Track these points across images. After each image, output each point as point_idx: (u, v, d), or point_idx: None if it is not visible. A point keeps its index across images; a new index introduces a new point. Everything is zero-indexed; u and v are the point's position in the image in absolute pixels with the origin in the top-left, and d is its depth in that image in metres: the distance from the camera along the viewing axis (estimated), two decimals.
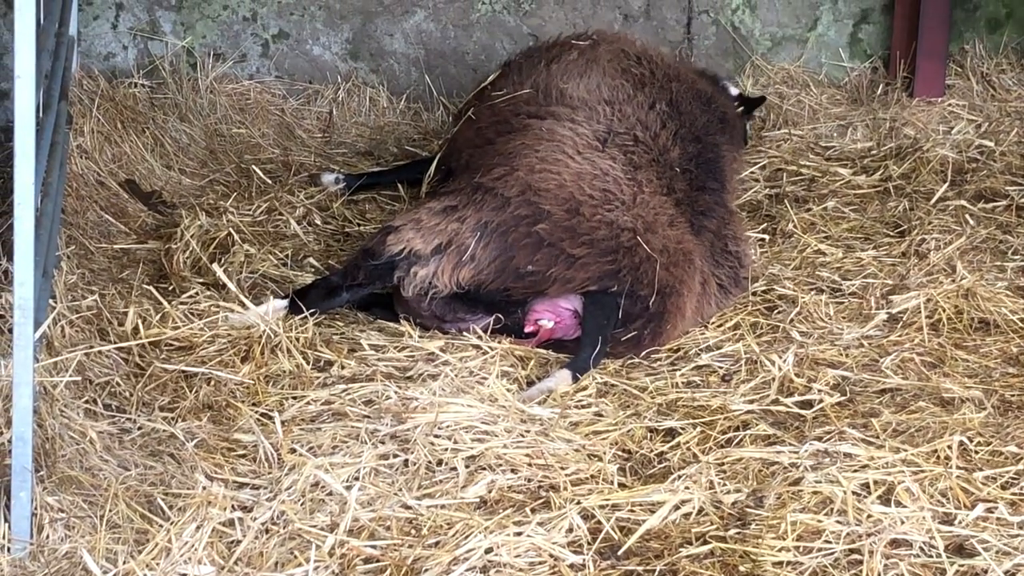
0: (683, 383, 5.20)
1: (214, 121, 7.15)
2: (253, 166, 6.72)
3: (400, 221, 5.45)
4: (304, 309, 5.38)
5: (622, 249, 5.32)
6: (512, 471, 4.58)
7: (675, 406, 5.03)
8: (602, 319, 5.29)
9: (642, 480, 4.61)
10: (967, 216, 6.38)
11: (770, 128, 7.23)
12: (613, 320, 5.30)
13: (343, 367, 5.16)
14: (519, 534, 4.23)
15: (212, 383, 5.02)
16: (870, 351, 5.39)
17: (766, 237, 6.26)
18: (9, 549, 4.12)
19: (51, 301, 5.06)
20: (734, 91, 6.85)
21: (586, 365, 5.19)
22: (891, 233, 6.32)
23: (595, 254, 5.30)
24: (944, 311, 5.58)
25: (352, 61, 7.48)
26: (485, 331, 5.35)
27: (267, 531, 4.27)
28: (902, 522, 4.29)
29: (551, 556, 4.19)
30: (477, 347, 5.29)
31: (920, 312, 5.57)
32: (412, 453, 4.61)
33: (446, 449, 4.64)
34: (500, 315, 5.37)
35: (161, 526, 4.24)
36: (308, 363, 5.16)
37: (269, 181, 6.62)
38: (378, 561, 4.17)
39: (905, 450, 4.63)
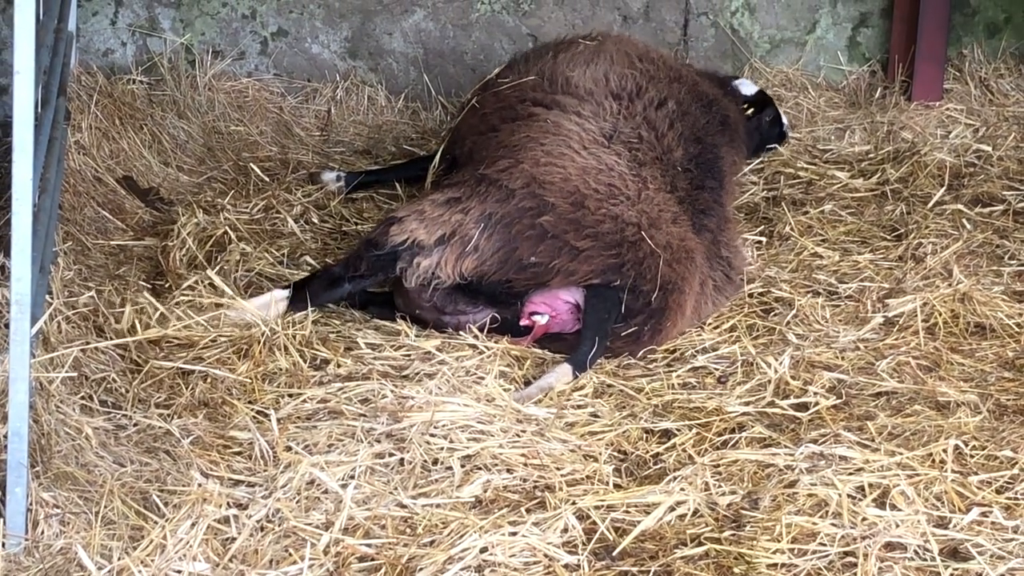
0: (679, 384, 5.20)
1: (212, 118, 7.15)
2: (251, 164, 6.71)
3: (404, 212, 5.44)
4: (306, 299, 5.39)
5: (626, 243, 5.32)
6: (508, 471, 4.58)
7: (671, 407, 5.03)
8: (603, 313, 5.29)
9: (637, 481, 4.61)
10: (964, 220, 6.39)
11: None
12: (615, 315, 5.30)
13: (339, 365, 5.16)
14: (514, 534, 4.23)
15: (208, 380, 5.02)
16: (866, 354, 5.40)
17: (763, 239, 6.26)
18: (4, 544, 4.12)
19: (48, 297, 5.06)
20: (749, 90, 6.81)
21: (586, 360, 5.19)
22: (888, 237, 6.33)
23: (599, 247, 5.30)
24: (940, 315, 5.59)
25: (351, 60, 7.48)
26: (482, 330, 5.35)
27: (262, 529, 4.27)
28: (897, 525, 4.29)
29: (546, 556, 4.19)
30: (474, 347, 5.29)
31: (916, 316, 5.58)
32: (408, 452, 4.61)
33: (442, 448, 4.64)
34: (500, 310, 5.36)
35: (156, 523, 4.24)
36: (305, 361, 5.16)
37: (267, 179, 6.62)
38: (373, 560, 4.17)
39: (900, 453, 4.64)
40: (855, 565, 4.17)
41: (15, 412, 4.10)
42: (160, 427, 4.77)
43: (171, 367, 5.04)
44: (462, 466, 4.58)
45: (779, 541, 4.24)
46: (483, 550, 4.17)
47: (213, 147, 6.96)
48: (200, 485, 4.40)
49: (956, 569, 4.18)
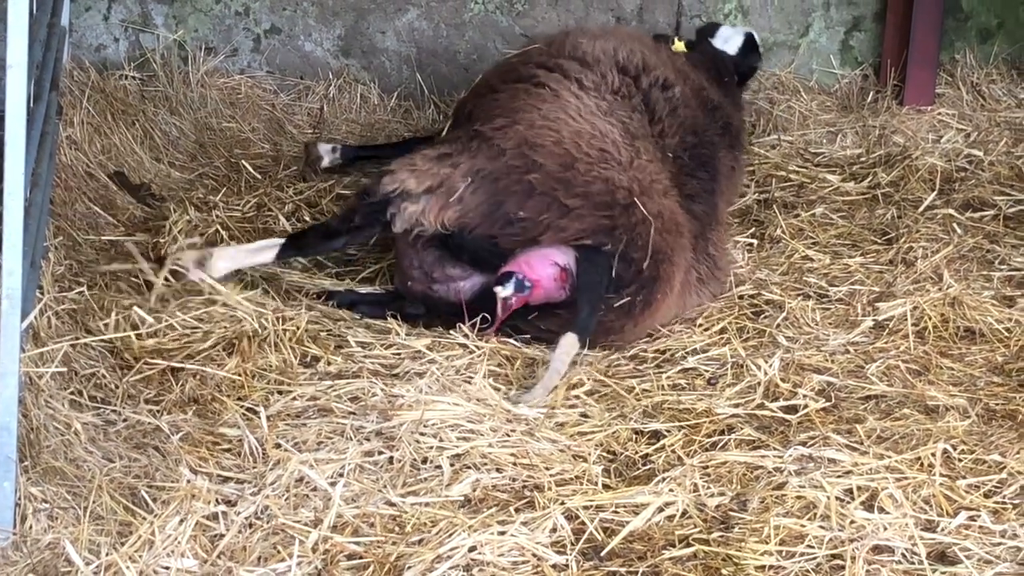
0: (669, 386, 5.21)
1: (204, 115, 7.14)
2: (243, 161, 6.71)
3: (397, 164, 5.56)
4: (298, 250, 5.57)
5: (617, 206, 5.36)
6: (497, 470, 4.58)
7: (661, 408, 5.04)
8: (596, 276, 5.31)
9: (626, 482, 4.62)
10: (954, 225, 6.40)
11: (760, 134, 7.24)
12: (606, 280, 5.32)
13: (330, 363, 5.16)
14: (503, 533, 4.24)
15: (198, 376, 5.02)
16: (856, 357, 5.41)
17: (754, 242, 6.27)
18: None
19: (38, 292, 5.05)
20: (728, 48, 6.75)
21: (588, 324, 5.20)
22: (879, 240, 6.34)
23: (589, 206, 5.34)
24: (930, 319, 5.60)
25: (344, 58, 7.48)
26: (473, 328, 5.34)
27: (251, 525, 4.27)
28: (885, 528, 4.30)
29: (534, 556, 4.19)
30: (464, 346, 5.29)
31: (906, 320, 5.59)
32: (397, 450, 4.61)
33: (431, 447, 4.64)
34: (488, 275, 5.34)
35: (144, 519, 4.23)
36: (295, 358, 5.16)
37: (259, 176, 6.61)
38: (361, 558, 4.17)
39: (889, 457, 4.65)
40: (843, 568, 4.18)
41: (4, 406, 4.10)
42: (149, 423, 4.77)
43: (162, 364, 5.03)
44: (451, 465, 4.58)
45: (767, 543, 4.25)
46: (471, 549, 4.17)
47: (205, 144, 6.95)
48: (189, 481, 4.39)
49: (943, 572, 4.19)
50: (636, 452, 4.78)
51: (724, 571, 4.19)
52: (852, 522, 4.32)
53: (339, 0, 7.42)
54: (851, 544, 4.24)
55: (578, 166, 5.41)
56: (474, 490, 4.49)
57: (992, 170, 6.90)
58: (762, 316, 5.69)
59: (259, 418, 4.76)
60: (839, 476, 4.52)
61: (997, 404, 5.14)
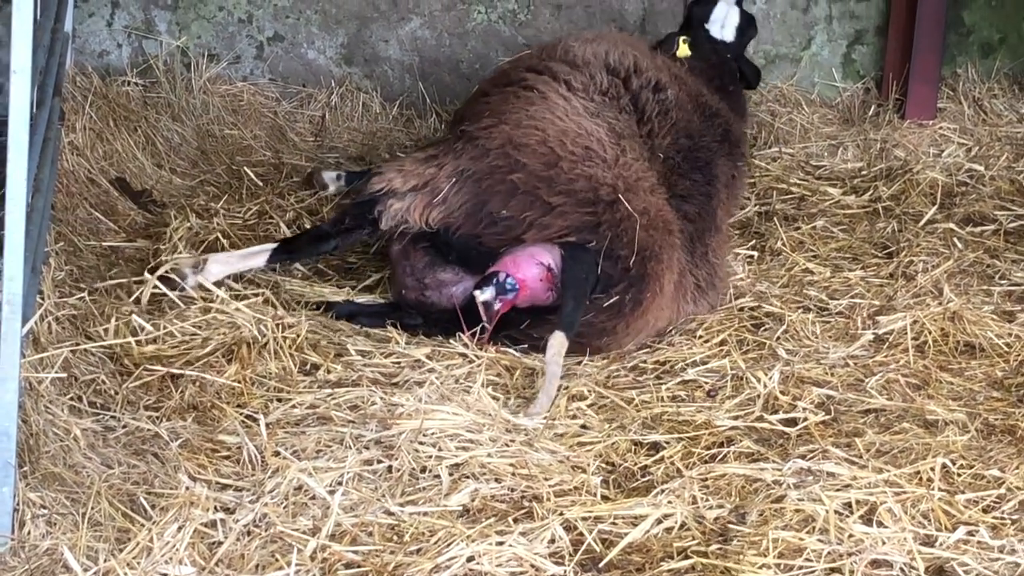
0: (668, 397, 5.20)
1: (206, 122, 7.15)
2: (244, 168, 6.71)
3: (385, 166, 5.69)
4: (289, 254, 5.63)
5: (602, 203, 5.38)
6: (496, 480, 4.58)
7: (660, 420, 5.03)
8: (581, 273, 5.32)
9: (625, 493, 4.61)
10: (955, 239, 6.41)
11: (762, 146, 7.25)
12: (592, 277, 5.33)
13: (330, 371, 5.16)
14: (501, 543, 4.23)
15: (198, 383, 5.01)
16: (855, 371, 5.41)
17: (755, 254, 6.27)
18: None
19: (38, 297, 5.05)
20: (726, 34, 6.73)
21: (573, 320, 5.21)
22: (879, 254, 6.34)
23: (573, 203, 5.37)
24: (930, 333, 5.60)
25: (346, 66, 7.49)
26: (472, 337, 5.35)
27: (249, 533, 4.27)
28: (883, 542, 4.29)
29: (532, 566, 4.19)
30: (463, 355, 5.29)
31: (906, 333, 5.59)
32: (396, 459, 4.61)
33: (430, 456, 4.64)
34: (477, 277, 5.36)
35: (143, 525, 4.23)
36: (295, 366, 5.16)
37: (260, 184, 6.62)
38: (359, 567, 4.16)
39: (888, 471, 4.64)
40: None
41: (4, 411, 4.09)
42: (149, 429, 4.76)
43: (161, 371, 5.03)
44: (450, 474, 4.58)
45: (766, 556, 4.24)
46: (470, 559, 4.17)
47: (207, 150, 6.96)
48: (188, 488, 4.39)
49: None
50: (635, 464, 4.77)
51: None
52: (851, 536, 4.31)
53: (342, 8, 7.44)
54: (849, 558, 4.23)
55: (562, 164, 5.45)
56: (473, 500, 4.49)
57: (993, 185, 6.91)
58: (762, 328, 5.69)
59: (258, 426, 4.76)
60: (838, 489, 4.52)
61: (996, 419, 5.13)
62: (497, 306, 5.29)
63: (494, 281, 5.28)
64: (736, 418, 5.04)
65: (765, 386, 5.19)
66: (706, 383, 5.31)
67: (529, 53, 6.26)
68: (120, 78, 7.20)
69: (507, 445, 4.73)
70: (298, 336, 5.26)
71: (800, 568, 4.21)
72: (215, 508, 4.32)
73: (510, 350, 5.38)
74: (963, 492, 4.60)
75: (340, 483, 4.48)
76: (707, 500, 4.53)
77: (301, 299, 5.66)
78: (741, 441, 4.89)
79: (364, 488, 4.49)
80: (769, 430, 5.00)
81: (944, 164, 7.06)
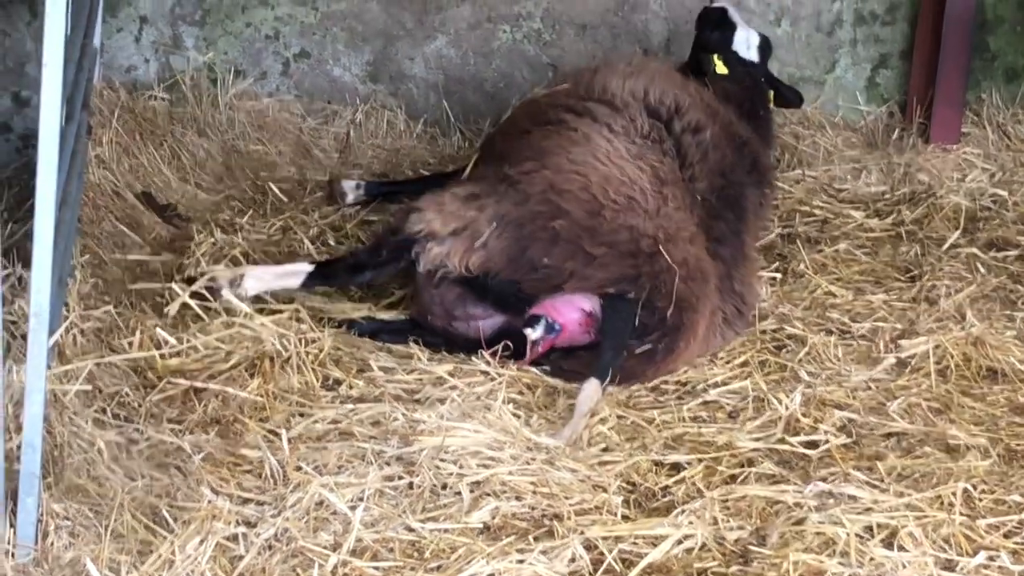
0: (690, 418, 5.21)
1: (232, 137, 7.18)
2: (269, 184, 6.74)
3: (424, 202, 5.56)
4: (325, 279, 5.59)
5: (642, 255, 5.35)
6: (516, 498, 4.58)
7: (681, 440, 5.04)
8: (620, 323, 5.30)
9: (646, 513, 4.61)
10: (978, 264, 6.40)
11: (785, 168, 7.25)
12: (630, 327, 5.31)
13: (352, 387, 5.17)
14: (521, 561, 4.23)
15: (221, 397, 5.03)
16: (877, 394, 5.40)
17: (778, 276, 6.27)
18: (14, 554, 4.13)
19: (64, 310, 5.08)
20: (751, 54, 6.73)
21: (608, 368, 5.20)
22: (902, 278, 6.34)
23: (614, 255, 5.33)
24: (952, 358, 5.59)
25: (371, 83, 7.52)
26: (494, 355, 5.35)
27: (270, 547, 4.28)
28: (904, 566, 4.29)
29: None
30: (485, 373, 5.30)
31: (928, 358, 5.58)
32: (417, 476, 4.62)
33: (451, 473, 4.65)
34: (510, 316, 5.36)
35: (165, 538, 4.24)
36: (317, 381, 5.17)
37: (284, 199, 6.65)
38: None
39: (909, 495, 4.63)
40: None
41: (30, 423, 4.12)
42: (172, 443, 4.78)
43: (184, 384, 5.05)
44: (471, 492, 4.58)
45: None
46: None
47: (232, 166, 6.99)
48: (210, 502, 4.40)
49: None
50: (656, 484, 4.78)
51: None
52: (871, 559, 4.31)
53: (368, 26, 7.46)
54: None
55: (604, 213, 5.40)
56: (493, 517, 4.49)
57: (1016, 210, 6.90)
58: (784, 351, 5.69)
59: (280, 440, 4.78)
60: (859, 513, 4.51)
61: (1018, 444, 5.12)
62: (540, 345, 5.32)
63: (543, 322, 5.31)
64: (757, 440, 5.04)
65: (787, 408, 5.19)
66: (728, 404, 5.31)
67: (565, 89, 6.14)
68: (147, 93, 7.23)
69: (528, 463, 4.73)
70: (321, 351, 5.28)
71: None
72: (237, 522, 4.34)
73: (532, 369, 5.39)
74: (984, 517, 4.59)
75: (361, 499, 4.48)
76: (728, 521, 4.53)
77: (323, 316, 5.67)
78: (762, 463, 4.89)
79: (385, 504, 4.50)
80: (790, 452, 5.00)
81: (967, 189, 7.05)
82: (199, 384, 5.05)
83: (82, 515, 4.29)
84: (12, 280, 5.24)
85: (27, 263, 4.19)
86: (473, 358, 5.40)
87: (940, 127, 7.49)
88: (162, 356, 5.17)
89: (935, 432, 5.15)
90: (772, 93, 6.69)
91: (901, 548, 4.37)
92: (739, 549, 4.41)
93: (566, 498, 4.60)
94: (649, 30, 7.60)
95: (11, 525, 4.15)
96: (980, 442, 5.09)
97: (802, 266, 6.31)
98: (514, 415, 5.00)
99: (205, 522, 4.29)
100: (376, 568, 4.21)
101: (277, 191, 6.69)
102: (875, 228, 6.74)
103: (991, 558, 4.38)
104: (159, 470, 4.64)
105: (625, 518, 4.55)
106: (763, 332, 5.80)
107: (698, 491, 4.72)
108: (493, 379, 5.25)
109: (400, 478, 4.62)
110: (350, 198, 6.63)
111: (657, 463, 4.90)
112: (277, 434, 4.83)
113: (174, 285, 5.50)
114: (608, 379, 5.19)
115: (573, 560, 4.30)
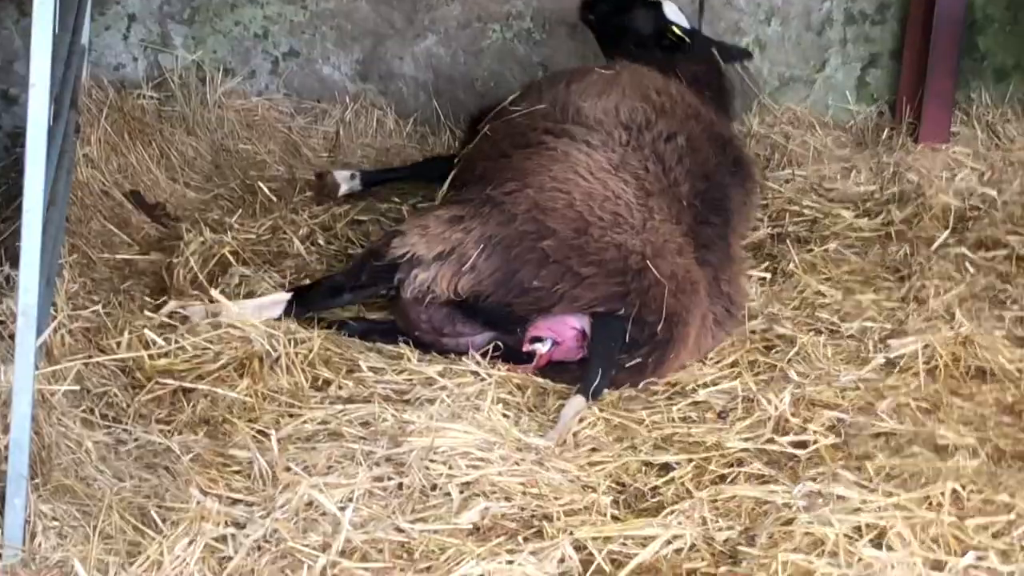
0: (679, 418, 5.21)
1: (221, 136, 7.17)
2: (258, 183, 6.73)
3: (407, 226, 5.51)
4: (304, 305, 5.46)
5: (631, 272, 5.34)
6: (506, 499, 4.58)
7: (671, 441, 5.04)
8: (610, 342, 5.29)
9: (635, 513, 4.62)
10: (967, 264, 6.40)
11: (774, 168, 7.25)
12: (620, 344, 5.30)
13: (341, 387, 5.17)
14: (511, 562, 4.24)
15: (209, 398, 5.03)
16: (866, 394, 5.40)
17: (767, 276, 6.27)
18: (1, 555, 4.12)
19: (52, 309, 5.07)
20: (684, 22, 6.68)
21: (595, 388, 5.19)
22: (891, 277, 6.34)
23: (603, 274, 5.31)
24: (941, 357, 5.59)
25: (361, 82, 7.51)
26: (484, 356, 5.35)
27: (259, 548, 4.27)
28: (893, 566, 4.29)
29: None
30: (475, 373, 5.29)
31: (917, 358, 5.58)
32: (407, 477, 4.62)
33: (441, 474, 4.64)
34: (500, 334, 5.37)
35: (154, 539, 4.24)
36: (306, 382, 5.17)
37: (274, 199, 6.63)
38: None
39: (898, 495, 4.64)
40: None
41: (17, 423, 4.11)
42: (160, 443, 4.78)
43: (173, 385, 5.04)
44: (460, 492, 4.58)
45: None
46: None
47: (221, 165, 6.98)
48: (199, 503, 4.40)
49: None
50: (645, 484, 4.78)
51: None
52: (860, 559, 4.31)
53: (358, 25, 7.46)
54: None
55: (591, 231, 5.37)
56: (483, 518, 4.49)
57: (1005, 210, 6.90)
58: (773, 351, 5.69)
59: (270, 441, 4.77)
60: (848, 513, 4.51)
61: (1007, 444, 5.13)
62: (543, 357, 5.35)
63: (550, 339, 5.32)
64: (747, 440, 5.04)
65: (776, 408, 5.19)
66: (717, 405, 5.31)
67: (542, 110, 6.01)
68: (135, 91, 7.21)
69: (517, 464, 4.73)
70: (310, 352, 5.27)
71: None
72: (226, 523, 4.33)
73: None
74: (973, 517, 4.59)
75: (351, 499, 4.48)
76: (717, 522, 4.53)
77: (313, 316, 5.66)
78: (751, 463, 4.89)
79: (375, 505, 4.49)
80: (779, 452, 5.00)
81: (957, 188, 7.06)
82: (188, 384, 5.04)
83: (70, 516, 4.29)
84: (0, 279, 5.23)
85: (15, 262, 4.18)
86: (463, 359, 5.39)
87: (930, 126, 7.49)
88: (151, 356, 5.16)
89: (924, 432, 5.16)
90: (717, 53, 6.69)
91: (890, 548, 4.37)
92: (728, 549, 4.42)
93: (555, 499, 4.60)
94: None
95: None
96: (969, 442, 5.09)
97: (791, 266, 6.31)
98: (504, 416, 5.00)
99: (194, 523, 4.28)
100: (365, 569, 4.21)
101: (266, 190, 6.67)
102: (864, 228, 6.74)
103: (980, 558, 4.38)
104: (148, 471, 4.63)
105: (614, 518, 4.56)
106: (752, 332, 5.80)
107: (687, 491, 4.73)
108: (483, 380, 5.25)
109: (390, 479, 4.62)
110: (344, 189, 6.61)
111: (646, 463, 4.90)
112: (266, 435, 4.82)
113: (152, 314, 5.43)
114: (593, 398, 5.17)
115: (562, 561, 4.30)
